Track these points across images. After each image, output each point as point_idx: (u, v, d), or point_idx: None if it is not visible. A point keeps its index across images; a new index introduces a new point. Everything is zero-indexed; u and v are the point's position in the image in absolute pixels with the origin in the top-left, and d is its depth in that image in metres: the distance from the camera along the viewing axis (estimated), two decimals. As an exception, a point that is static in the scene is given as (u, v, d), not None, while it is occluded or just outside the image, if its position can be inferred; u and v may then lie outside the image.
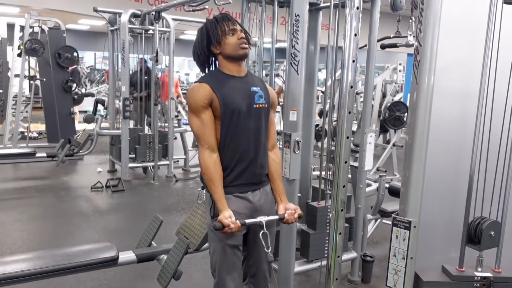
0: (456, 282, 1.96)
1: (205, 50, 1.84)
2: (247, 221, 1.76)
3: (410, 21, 3.58)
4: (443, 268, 2.04)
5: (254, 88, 1.85)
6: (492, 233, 1.95)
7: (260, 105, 1.85)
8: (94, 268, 2.48)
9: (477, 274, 1.96)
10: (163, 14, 5.56)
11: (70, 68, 7.35)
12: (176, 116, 6.50)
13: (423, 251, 2.01)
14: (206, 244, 2.54)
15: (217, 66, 1.88)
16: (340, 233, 2.00)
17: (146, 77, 6.02)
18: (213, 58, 1.89)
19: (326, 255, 2.23)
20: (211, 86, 1.77)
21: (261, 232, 1.76)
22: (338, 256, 2.02)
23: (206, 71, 1.89)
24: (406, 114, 5.72)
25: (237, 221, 1.72)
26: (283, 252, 2.59)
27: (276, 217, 1.85)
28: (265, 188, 1.93)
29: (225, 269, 1.86)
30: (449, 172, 2.15)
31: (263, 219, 1.77)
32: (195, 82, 1.87)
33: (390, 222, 2.00)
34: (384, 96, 6.43)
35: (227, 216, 1.72)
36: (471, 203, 1.97)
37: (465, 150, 2.05)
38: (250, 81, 1.87)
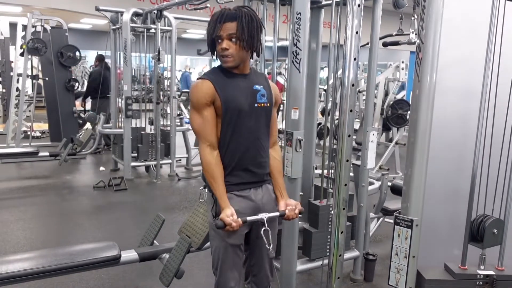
0: (458, 280, 1.95)
1: (210, 45, 1.81)
2: (249, 218, 1.76)
3: (412, 18, 3.57)
4: (445, 266, 2.03)
5: (257, 87, 1.83)
6: (495, 231, 1.95)
7: (262, 104, 1.83)
8: (96, 267, 2.49)
9: (480, 272, 1.96)
10: (165, 12, 5.55)
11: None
12: (179, 115, 6.51)
13: (426, 249, 2.00)
14: (208, 243, 2.54)
15: None
16: (342, 232, 1.99)
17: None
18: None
19: (328, 253, 2.23)
20: (213, 83, 1.75)
21: (263, 229, 1.76)
22: (340, 255, 2.02)
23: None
24: (408, 112, 5.70)
25: (239, 219, 1.72)
26: (285, 250, 2.59)
27: (277, 213, 1.85)
28: (267, 186, 1.92)
29: (227, 268, 1.86)
30: (452, 170, 2.15)
31: (264, 216, 1.78)
32: (198, 79, 1.86)
33: (392, 221, 2.00)
34: (386, 94, 6.42)
35: (229, 214, 1.71)
36: (474, 200, 1.96)
37: (467, 148, 2.04)
38: (253, 79, 1.85)
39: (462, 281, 1.96)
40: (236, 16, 1.70)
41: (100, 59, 7.44)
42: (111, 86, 6.21)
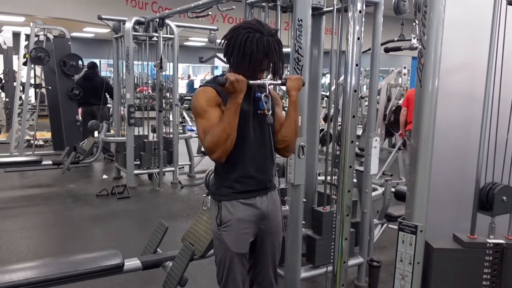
0: (467, 249, 1.90)
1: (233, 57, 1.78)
2: (251, 82, 1.72)
3: (414, 24, 3.57)
4: (454, 236, 1.98)
5: (258, 94, 1.83)
6: (505, 198, 1.90)
7: (264, 111, 1.83)
8: (99, 275, 2.48)
9: (489, 241, 1.91)
10: (167, 21, 5.58)
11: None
12: (181, 122, 6.52)
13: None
14: (212, 251, 2.54)
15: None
16: (346, 238, 1.98)
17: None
18: None
19: (332, 260, 2.22)
20: (216, 90, 1.75)
21: (263, 94, 1.74)
22: (344, 262, 2.01)
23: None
24: (411, 117, 5.68)
25: (243, 78, 1.67)
26: (289, 258, 2.58)
27: (279, 81, 1.82)
28: (272, 194, 1.92)
29: (231, 277, 1.85)
30: (455, 175, 2.13)
31: (266, 81, 1.76)
32: (200, 86, 1.86)
33: (396, 227, 1.98)
34: (389, 99, 6.41)
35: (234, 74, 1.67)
36: (482, 167, 1.92)
37: (471, 153, 2.02)
38: (255, 86, 1.84)
39: (471, 250, 1.90)
40: (269, 53, 1.71)
41: (89, 66, 7.47)
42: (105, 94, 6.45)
